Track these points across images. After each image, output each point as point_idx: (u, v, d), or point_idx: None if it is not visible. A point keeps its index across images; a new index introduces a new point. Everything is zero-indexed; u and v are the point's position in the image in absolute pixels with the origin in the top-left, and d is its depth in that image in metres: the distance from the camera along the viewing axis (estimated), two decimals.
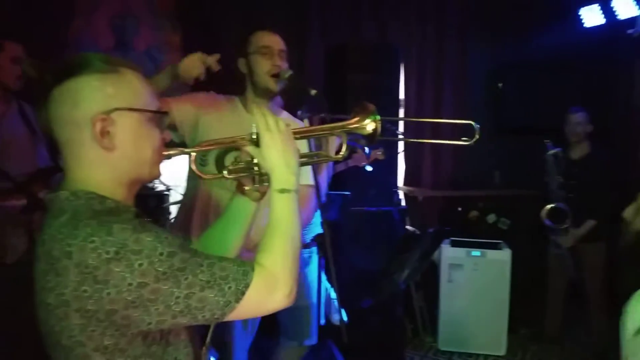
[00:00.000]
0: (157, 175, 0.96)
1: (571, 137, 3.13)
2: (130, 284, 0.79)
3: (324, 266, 2.19)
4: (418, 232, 3.68)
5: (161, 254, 0.81)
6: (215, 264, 0.85)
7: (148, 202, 3.14)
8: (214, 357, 1.87)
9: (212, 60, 1.67)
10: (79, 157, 0.90)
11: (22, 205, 1.94)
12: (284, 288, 0.89)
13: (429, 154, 4.20)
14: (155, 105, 0.94)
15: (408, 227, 3.77)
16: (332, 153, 1.71)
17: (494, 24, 4.09)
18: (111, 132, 0.88)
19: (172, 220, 2.92)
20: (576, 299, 3.23)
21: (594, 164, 3.07)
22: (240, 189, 1.11)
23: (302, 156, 1.07)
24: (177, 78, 1.68)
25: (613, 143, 3.76)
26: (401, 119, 3.81)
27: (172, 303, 0.81)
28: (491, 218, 3.81)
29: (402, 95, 3.92)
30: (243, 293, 0.85)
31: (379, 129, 1.10)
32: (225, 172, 1.05)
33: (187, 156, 1.07)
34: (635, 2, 3.40)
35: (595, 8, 3.71)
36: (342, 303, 1.91)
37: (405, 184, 4.13)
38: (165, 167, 1.00)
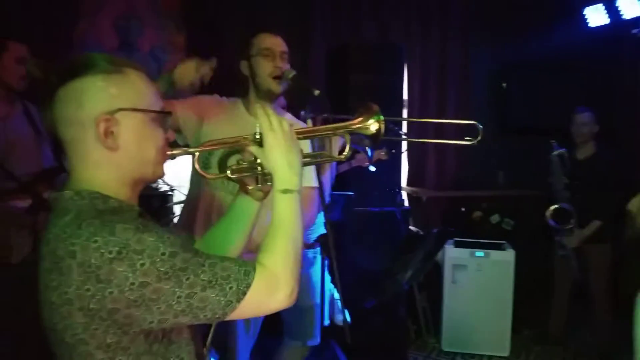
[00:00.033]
0: (161, 175, 0.97)
1: (577, 137, 3.12)
2: (132, 284, 0.80)
3: (327, 266, 2.19)
4: (421, 232, 3.68)
5: (163, 254, 0.81)
6: (217, 264, 0.86)
7: (152, 202, 3.15)
8: (214, 358, 1.87)
9: (206, 69, 1.67)
10: (83, 156, 0.90)
11: (27, 206, 1.95)
12: (285, 288, 0.90)
13: (433, 154, 4.20)
14: (159, 105, 0.95)
15: (411, 227, 3.77)
16: (335, 153, 1.72)
17: (497, 24, 4.07)
18: (115, 132, 0.89)
19: (176, 221, 2.92)
20: (581, 300, 3.22)
21: (600, 164, 3.06)
22: (243, 189, 1.11)
23: (305, 156, 1.07)
24: (174, 84, 1.68)
25: (618, 143, 3.74)
26: (405, 119, 3.80)
27: (174, 302, 0.82)
28: (495, 218, 3.80)
29: (405, 95, 3.91)
30: (244, 293, 0.86)
31: (383, 130, 1.10)
32: (228, 172, 1.05)
33: (190, 157, 1.08)
34: None
35: (600, 8, 3.70)
36: (346, 303, 1.91)
37: (408, 184, 4.13)
38: (169, 167, 1.01)
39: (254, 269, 0.88)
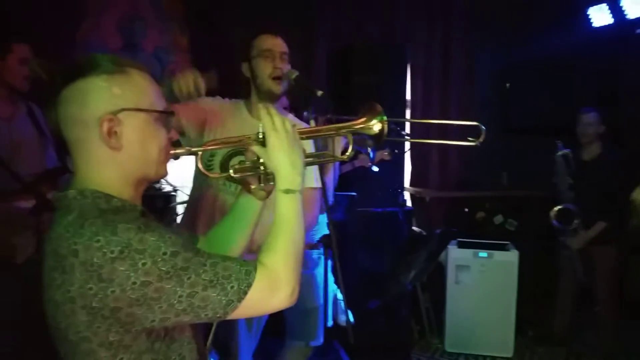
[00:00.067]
0: (164, 174, 0.98)
1: (582, 137, 3.09)
2: (134, 283, 0.81)
3: (331, 267, 2.19)
4: (425, 233, 3.67)
5: (164, 254, 0.82)
6: (218, 264, 0.86)
7: (155, 202, 3.16)
8: (214, 359, 1.87)
9: (202, 85, 1.66)
10: (87, 156, 0.91)
11: (31, 206, 1.95)
12: (286, 288, 0.90)
13: (436, 155, 4.19)
14: (163, 105, 0.96)
15: (415, 228, 3.76)
16: (338, 153, 1.71)
17: (501, 24, 4.06)
18: (118, 131, 0.89)
19: (179, 221, 2.93)
20: (585, 301, 3.20)
21: (606, 165, 3.03)
22: (246, 188, 1.12)
23: (308, 156, 1.08)
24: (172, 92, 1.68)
25: (622, 143, 3.73)
26: (408, 120, 3.80)
27: (175, 302, 0.83)
28: (498, 219, 3.79)
29: (408, 95, 3.91)
30: (245, 292, 0.86)
31: (386, 130, 1.10)
32: (231, 171, 1.05)
33: (193, 158, 1.08)
34: None
35: (604, 7, 3.68)
36: (349, 304, 1.91)
37: (412, 184, 4.12)
38: (172, 168, 1.01)
39: (255, 269, 0.89)
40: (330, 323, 2.22)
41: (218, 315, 0.87)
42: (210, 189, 1.84)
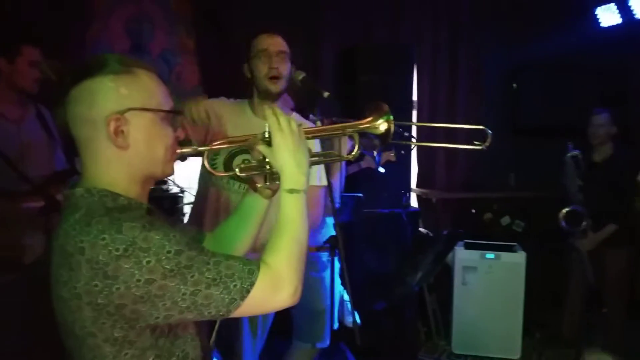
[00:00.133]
0: (170, 173, 0.99)
1: (593, 139, 3.05)
2: (138, 280, 0.82)
3: (338, 268, 2.19)
4: (431, 234, 3.66)
5: (168, 252, 0.83)
6: (222, 262, 0.87)
7: (162, 203, 3.17)
8: (217, 358, 1.88)
9: (214, 111, 1.67)
10: (94, 155, 0.93)
11: (40, 207, 1.97)
12: (289, 287, 0.91)
13: (443, 156, 4.17)
14: (169, 104, 0.97)
15: (421, 229, 3.75)
16: (344, 153, 1.71)
17: (508, 23, 4.04)
18: (125, 131, 0.91)
19: (186, 222, 2.94)
20: (594, 303, 3.17)
21: (617, 166, 2.99)
22: (252, 187, 1.13)
23: (313, 155, 1.08)
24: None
25: (632, 143, 3.70)
26: (414, 123, 3.77)
27: (179, 299, 0.84)
28: (505, 220, 3.77)
29: (414, 96, 3.90)
30: (248, 291, 0.87)
31: (392, 129, 1.10)
32: (237, 170, 1.06)
33: (200, 159, 1.08)
34: None
35: (612, 7, 3.66)
36: (356, 305, 1.91)
37: (418, 185, 4.11)
38: (179, 169, 1.02)
39: (258, 268, 0.90)
40: (336, 326, 2.21)
41: (221, 314, 0.88)
42: (214, 187, 1.85)
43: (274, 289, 0.90)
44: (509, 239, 3.46)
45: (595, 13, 3.78)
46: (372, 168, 3.07)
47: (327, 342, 2.21)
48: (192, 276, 0.84)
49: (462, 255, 3.32)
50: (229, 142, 1.07)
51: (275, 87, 1.81)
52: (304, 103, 2.39)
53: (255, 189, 1.12)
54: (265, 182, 1.10)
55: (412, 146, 3.56)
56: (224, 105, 1.90)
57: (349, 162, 2.76)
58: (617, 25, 3.67)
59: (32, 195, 2.00)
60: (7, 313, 1.99)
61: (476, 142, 1.41)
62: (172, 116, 0.97)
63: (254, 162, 1.07)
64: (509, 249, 3.31)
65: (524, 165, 4.00)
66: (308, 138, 1.03)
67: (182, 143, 1.00)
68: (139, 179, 0.95)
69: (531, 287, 3.27)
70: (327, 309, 2.15)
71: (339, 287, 2.29)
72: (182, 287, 0.84)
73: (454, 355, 3.33)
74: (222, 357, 1.90)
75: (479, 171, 4.15)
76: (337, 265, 2.05)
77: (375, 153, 2.89)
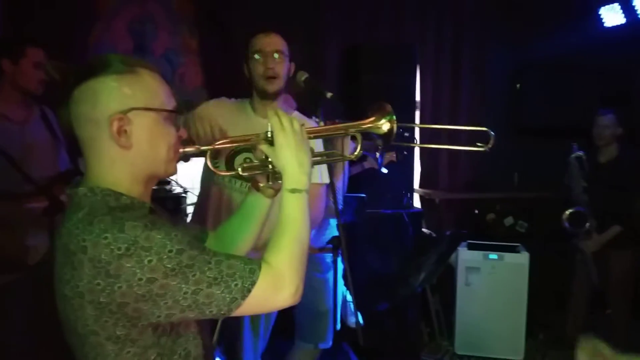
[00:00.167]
0: (173, 172, 0.99)
1: (599, 140, 3.03)
2: (140, 279, 0.83)
3: (341, 269, 2.19)
4: (434, 234, 3.65)
5: (170, 251, 0.84)
6: (223, 262, 0.88)
7: (166, 204, 3.18)
8: (220, 358, 1.88)
9: (218, 129, 1.67)
10: (98, 154, 0.93)
11: (44, 208, 1.98)
12: (290, 287, 0.91)
13: (446, 156, 4.16)
14: (172, 104, 0.97)
15: (424, 229, 3.74)
16: (346, 153, 1.71)
17: (511, 23, 4.03)
18: (128, 130, 0.91)
19: (189, 221, 2.95)
20: (598, 305, 3.16)
21: (623, 167, 2.98)
22: (255, 186, 1.13)
23: (315, 155, 1.09)
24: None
25: (636, 143, 3.68)
26: (416, 125, 3.77)
27: (180, 298, 0.85)
28: (509, 221, 3.76)
29: (417, 96, 3.89)
30: (249, 290, 0.88)
31: (395, 129, 1.10)
32: (239, 169, 1.06)
33: (202, 160, 1.09)
34: None
35: (616, 7, 3.65)
36: (358, 306, 1.91)
37: (421, 186, 4.10)
38: (182, 169, 1.02)
39: (259, 267, 0.90)
40: (338, 326, 2.21)
41: (222, 312, 0.89)
42: (216, 186, 1.85)
43: (275, 288, 0.90)
44: (512, 239, 3.45)
45: (599, 13, 3.76)
46: (375, 169, 3.07)
47: (330, 343, 2.20)
48: (193, 275, 0.85)
49: (465, 256, 3.31)
50: (232, 142, 1.07)
51: (272, 87, 1.82)
52: (306, 104, 2.39)
53: (258, 189, 1.13)
54: (268, 181, 1.11)
55: (415, 148, 3.57)
56: (224, 105, 1.91)
57: (351, 163, 2.76)
58: (621, 25, 3.65)
59: (36, 196, 2.01)
60: (11, 313, 2.00)
61: (479, 144, 1.41)
62: (175, 116, 0.98)
63: (256, 162, 1.07)
64: (512, 250, 3.31)
65: (527, 166, 3.99)
66: (310, 138, 1.03)
67: (185, 142, 1.00)
68: (142, 178, 0.95)
69: (534, 288, 3.26)
70: (330, 309, 2.15)
71: (341, 288, 2.29)
72: (183, 286, 0.84)
73: (456, 356, 3.32)
74: (225, 356, 1.90)
75: (482, 171, 4.14)
76: (340, 265, 2.05)
77: (377, 154, 2.89)
